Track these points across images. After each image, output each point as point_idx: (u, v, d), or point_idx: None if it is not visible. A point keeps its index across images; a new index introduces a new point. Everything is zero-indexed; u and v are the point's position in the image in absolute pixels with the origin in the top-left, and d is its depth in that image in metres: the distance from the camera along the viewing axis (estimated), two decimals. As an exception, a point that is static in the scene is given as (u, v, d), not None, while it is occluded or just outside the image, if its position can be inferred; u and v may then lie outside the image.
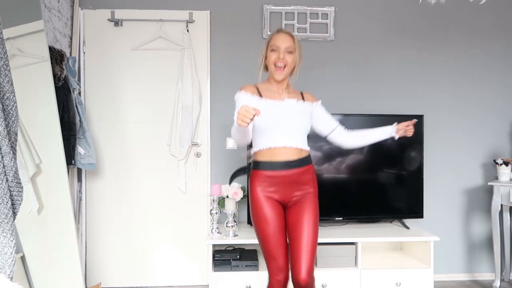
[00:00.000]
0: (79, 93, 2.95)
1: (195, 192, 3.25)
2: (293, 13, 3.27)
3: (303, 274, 1.84)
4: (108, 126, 3.21)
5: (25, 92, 2.24)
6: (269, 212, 1.92)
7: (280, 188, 1.94)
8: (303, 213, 1.92)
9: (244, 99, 1.96)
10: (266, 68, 2.07)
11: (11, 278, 1.46)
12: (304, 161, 1.98)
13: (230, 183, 2.21)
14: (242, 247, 3.00)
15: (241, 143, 1.93)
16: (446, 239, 3.31)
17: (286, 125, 1.93)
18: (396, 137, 2.18)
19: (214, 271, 2.73)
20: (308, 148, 2.03)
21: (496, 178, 3.24)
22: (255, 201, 1.95)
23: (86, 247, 3.20)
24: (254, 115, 1.60)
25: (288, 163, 1.94)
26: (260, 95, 1.99)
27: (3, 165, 1.45)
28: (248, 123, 1.62)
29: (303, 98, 2.07)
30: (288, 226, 1.94)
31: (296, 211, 1.94)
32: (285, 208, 1.99)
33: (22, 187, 1.53)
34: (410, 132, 2.15)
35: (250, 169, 2.03)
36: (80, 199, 3.16)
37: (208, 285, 3.02)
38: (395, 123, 2.19)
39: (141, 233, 3.23)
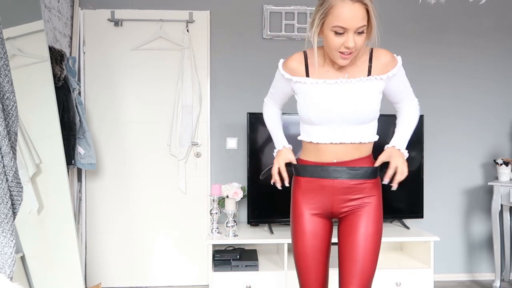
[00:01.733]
0: (79, 93, 2.95)
1: (195, 192, 3.25)
2: (293, 13, 3.27)
3: None
4: (108, 126, 3.21)
5: (25, 92, 2.24)
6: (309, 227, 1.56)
7: (325, 198, 1.56)
8: (357, 227, 1.51)
9: (279, 85, 1.61)
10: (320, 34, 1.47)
11: (11, 278, 1.46)
12: (366, 173, 1.52)
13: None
14: (242, 247, 3.01)
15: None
16: (446, 239, 3.31)
17: (344, 115, 1.46)
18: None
19: (214, 271, 2.73)
20: (374, 140, 1.57)
21: (496, 178, 3.24)
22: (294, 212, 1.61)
23: (86, 247, 3.20)
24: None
25: (338, 170, 1.50)
26: (307, 73, 1.51)
27: (3, 165, 1.45)
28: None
29: (369, 68, 1.48)
30: (338, 243, 1.58)
31: (348, 225, 1.55)
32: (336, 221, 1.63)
33: (22, 187, 1.53)
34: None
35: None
36: (80, 199, 3.16)
37: (208, 285, 3.02)
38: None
39: (141, 233, 3.23)
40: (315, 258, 1.55)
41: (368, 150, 1.56)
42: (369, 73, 1.48)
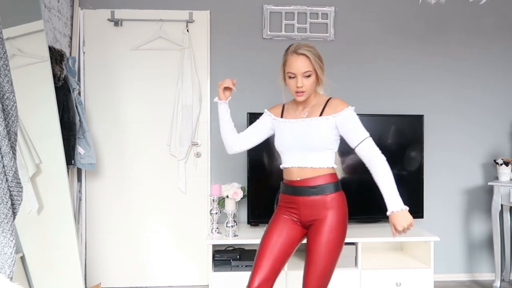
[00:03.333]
0: (79, 93, 2.95)
1: (195, 192, 3.25)
2: (293, 13, 3.27)
3: None
4: (108, 126, 3.21)
5: (25, 92, 2.24)
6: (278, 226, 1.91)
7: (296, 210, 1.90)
8: (317, 237, 1.83)
9: (262, 118, 2.08)
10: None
11: (11, 278, 1.46)
12: (324, 188, 1.85)
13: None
14: (242, 247, 3.00)
15: (225, 138, 2.15)
16: (446, 239, 3.31)
17: (303, 143, 1.86)
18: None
19: (214, 271, 2.73)
20: (328, 166, 1.88)
21: (496, 178, 3.24)
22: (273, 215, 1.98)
23: (86, 247, 3.20)
24: (231, 84, 2.02)
25: (301, 188, 1.87)
26: (282, 116, 1.99)
27: (3, 165, 1.45)
28: (223, 88, 2.05)
29: (322, 111, 1.89)
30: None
31: (311, 232, 1.86)
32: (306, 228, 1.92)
33: (22, 187, 1.54)
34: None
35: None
36: (80, 199, 3.16)
37: (208, 285, 3.02)
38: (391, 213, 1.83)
39: (141, 233, 3.23)
40: (272, 250, 1.85)
41: (325, 172, 1.88)
42: (321, 114, 1.89)
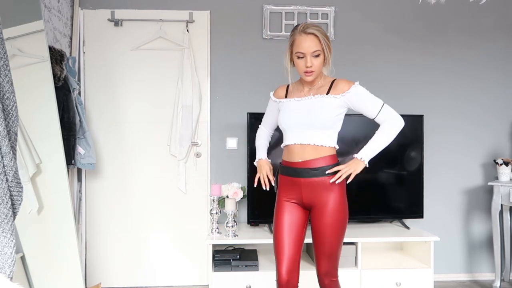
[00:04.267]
0: (79, 93, 2.95)
1: (195, 192, 3.25)
2: (293, 13, 3.27)
3: (318, 275, 1.97)
4: (108, 126, 3.21)
5: (25, 92, 2.24)
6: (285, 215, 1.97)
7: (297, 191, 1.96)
8: (321, 219, 1.90)
9: (270, 106, 2.13)
10: (293, 63, 1.98)
11: (11, 278, 1.46)
12: (325, 170, 1.88)
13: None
14: (242, 247, 3.01)
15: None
16: (446, 239, 3.31)
17: (310, 120, 1.89)
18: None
19: (214, 271, 2.73)
20: (330, 145, 1.92)
21: (496, 178, 3.24)
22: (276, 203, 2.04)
23: (86, 247, 3.20)
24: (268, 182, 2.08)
25: (302, 170, 1.90)
26: (286, 96, 2.02)
27: (3, 165, 1.45)
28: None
29: (328, 90, 1.92)
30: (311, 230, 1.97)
31: (315, 214, 1.92)
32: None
33: (22, 187, 1.53)
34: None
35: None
36: (80, 199, 3.16)
37: (208, 285, 3.02)
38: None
39: (141, 233, 3.23)
40: (288, 235, 1.91)
41: (326, 152, 1.91)
42: (327, 94, 1.92)
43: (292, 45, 1.90)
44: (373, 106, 1.91)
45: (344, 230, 1.93)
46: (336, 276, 1.97)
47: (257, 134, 2.27)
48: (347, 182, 1.92)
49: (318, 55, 1.86)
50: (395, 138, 2.20)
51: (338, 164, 1.92)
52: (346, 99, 1.90)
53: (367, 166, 1.91)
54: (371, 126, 2.16)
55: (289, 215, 1.94)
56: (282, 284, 1.89)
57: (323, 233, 1.88)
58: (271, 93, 2.10)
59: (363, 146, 1.94)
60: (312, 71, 1.87)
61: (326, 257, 1.91)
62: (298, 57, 1.88)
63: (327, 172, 1.88)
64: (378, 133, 1.92)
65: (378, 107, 1.91)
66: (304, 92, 1.96)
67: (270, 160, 2.19)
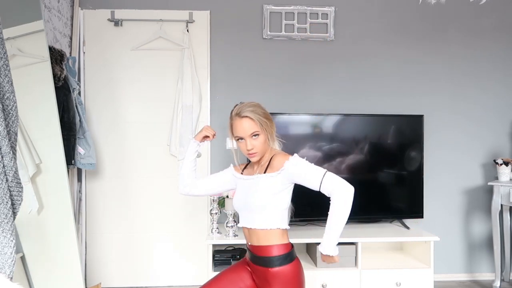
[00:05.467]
0: (79, 93, 2.94)
1: (195, 192, 3.24)
2: (293, 13, 3.27)
3: None
4: (108, 126, 3.21)
5: (25, 92, 2.24)
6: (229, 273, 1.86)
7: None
8: None
9: (224, 171, 2.03)
10: None
11: (11, 278, 1.46)
12: (268, 262, 1.72)
13: None
14: (242, 247, 3.00)
15: (182, 176, 2.03)
16: (446, 239, 3.31)
17: (248, 202, 1.78)
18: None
19: (214, 271, 2.73)
20: (277, 227, 1.75)
21: (496, 178, 3.24)
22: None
23: (86, 247, 3.20)
24: (212, 135, 2.03)
25: (251, 254, 1.79)
26: (243, 171, 1.95)
27: (3, 165, 1.45)
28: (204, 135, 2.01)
29: (266, 168, 1.81)
30: None
31: None
32: None
33: (22, 187, 1.53)
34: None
35: None
36: (80, 199, 3.16)
37: (208, 285, 3.02)
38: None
39: (141, 233, 3.23)
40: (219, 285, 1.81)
41: (273, 236, 1.75)
42: (265, 172, 1.80)
43: (231, 128, 1.84)
44: (314, 177, 1.71)
45: None
46: None
47: (183, 183, 2.06)
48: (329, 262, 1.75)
49: (257, 135, 1.77)
50: (395, 138, 2.18)
51: (290, 253, 1.74)
52: (284, 175, 1.74)
53: (337, 253, 1.69)
54: (372, 127, 2.16)
55: (239, 271, 1.84)
56: None
57: None
58: (231, 165, 2.02)
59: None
60: (254, 153, 1.79)
61: None
62: (239, 140, 1.81)
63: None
64: (329, 218, 1.69)
65: (319, 177, 1.69)
66: (255, 169, 1.88)
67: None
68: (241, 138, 1.80)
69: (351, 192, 1.68)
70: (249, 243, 1.81)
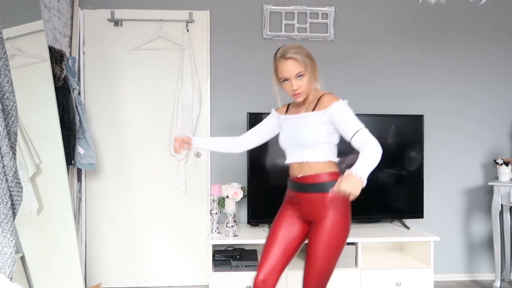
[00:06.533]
0: (79, 93, 2.94)
1: (195, 192, 3.24)
2: (293, 13, 3.27)
3: None
4: (108, 126, 3.21)
5: (25, 92, 2.24)
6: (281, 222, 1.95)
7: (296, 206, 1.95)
8: (316, 236, 1.85)
9: (267, 118, 2.13)
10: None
11: (11, 278, 1.46)
12: (323, 187, 1.85)
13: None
14: (242, 247, 3.00)
15: (225, 151, 2.24)
16: (446, 239, 3.31)
17: (299, 138, 1.89)
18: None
19: (214, 271, 2.73)
20: (326, 160, 1.88)
21: (496, 178, 3.24)
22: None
23: (86, 247, 3.20)
24: (186, 145, 2.11)
25: (301, 185, 1.90)
26: (286, 112, 2.04)
27: (3, 165, 1.45)
28: (179, 151, 2.10)
29: (314, 107, 1.90)
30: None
31: (312, 231, 1.88)
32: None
33: (21, 187, 1.54)
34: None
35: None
36: (80, 199, 3.16)
37: (208, 285, 3.02)
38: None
39: (141, 233, 3.23)
40: (280, 242, 1.90)
41: (323, 168, 1.89)
42: (313, 110, 1.90)
43: (275, 71, 1.93)
44: (352, 127, 1.79)
45: (339, 252, 1.86)
46: None
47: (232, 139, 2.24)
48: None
49: (302, 75, 1.87)
50: (395, 138, 2.19)
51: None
52: (328, 115, 1.84)
53: (365, 181, 1.69)
54: (372, 127, 2.15)
55: (287, 224, 1.93)
56: (256, 282, 1.85)
57: (315, 250, 1.83)
58: (273, 109, 2.12)
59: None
60: (299, 93, 1.88)
61: (314, 275, 1.84)
62: (284, 81, 1.90)
63: (330, 191, 1.80)
64: (362, 156, 1.74)
65: (356, 128, 1.78)
66: (300, 108, 1.98)
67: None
68: (286, 80, 1.88)
69: (380, 150, 1.74)
70: (300, 175, 1.91)
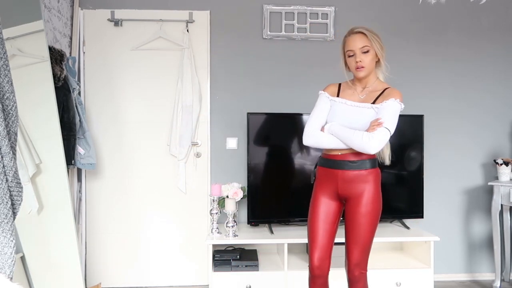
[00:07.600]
0: (79, 93, 2.94)
1: (195, 192, 3.24)
2: (293, 13, 3.27)
3: (348, 267, 2.02)
4: (108, 126, 3.21)
5: (25, 92, 2.24)
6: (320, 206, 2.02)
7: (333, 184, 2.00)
8: (356, 210, 1.95)
9: (323, 102, 2.06)
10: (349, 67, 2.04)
11: (11, 278, 1.46)
12: (363, 164, 1.94)
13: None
14: (242, 247, 3.01)
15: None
16: (446, 239, 3.31)
17: (347, 125, 1.94)
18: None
19: (214, 271, 2.73)
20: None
21: (496, 178, 3.24)
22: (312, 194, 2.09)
23: (86, 247, 3.20)
24: None
25: (342, 162, 1.95)
26: (338, 94, 2.06)
27: (3, 165, 1.45)
28: None
29: (376, 99, 1.96)
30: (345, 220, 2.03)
31: (351, 205, 1.98)
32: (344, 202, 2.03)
33: (22, 187, 1.53)
34: None
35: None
36: (80, 199, 3.16)
37: (208, 285, 3.02)
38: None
39: (141, 233, 3.23)
40: (323, 225, 1.99)
41: None
42: (374, 102, 1.95)
43: (343, 47, 2.00)
44: (384, 124, 1.87)
45: (377, 221, 1.99)
46: (366, 269, 2.03)
47: (319, 136, 2.02)
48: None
49: (367, 51, 1.92)
50: (395, 138, 2.22)
51: (375, 159, 2.00)
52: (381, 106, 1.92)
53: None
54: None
55: (324, 206, 2.00)
56: (313, 269, 1.98)
57: (357, 223, 1.94)
58: (321, 91, 2.09)
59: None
60: (362, 66, 1.92)
61: (359, 247, 1.96)
62: (349, 56, 1.96)
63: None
64: (358, 132, 1.89)
65: (378, 125, 1.87)
66: (357, 92, 2.01)
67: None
68: (351, 54, 1.94)
69: (364, 148, 1.86)
70: (339, 153, 1.96)
